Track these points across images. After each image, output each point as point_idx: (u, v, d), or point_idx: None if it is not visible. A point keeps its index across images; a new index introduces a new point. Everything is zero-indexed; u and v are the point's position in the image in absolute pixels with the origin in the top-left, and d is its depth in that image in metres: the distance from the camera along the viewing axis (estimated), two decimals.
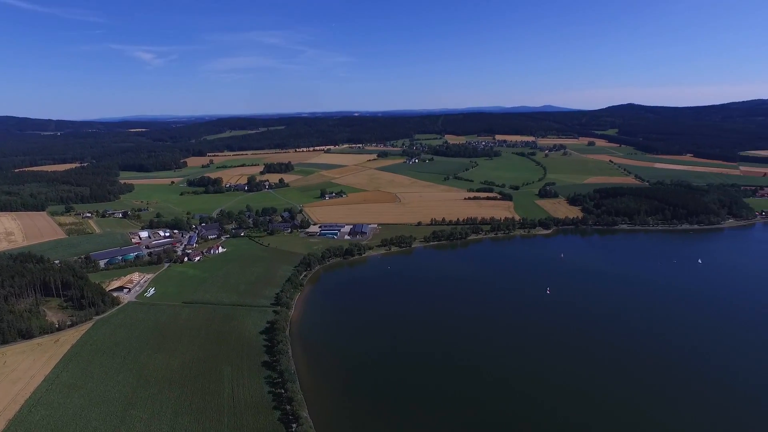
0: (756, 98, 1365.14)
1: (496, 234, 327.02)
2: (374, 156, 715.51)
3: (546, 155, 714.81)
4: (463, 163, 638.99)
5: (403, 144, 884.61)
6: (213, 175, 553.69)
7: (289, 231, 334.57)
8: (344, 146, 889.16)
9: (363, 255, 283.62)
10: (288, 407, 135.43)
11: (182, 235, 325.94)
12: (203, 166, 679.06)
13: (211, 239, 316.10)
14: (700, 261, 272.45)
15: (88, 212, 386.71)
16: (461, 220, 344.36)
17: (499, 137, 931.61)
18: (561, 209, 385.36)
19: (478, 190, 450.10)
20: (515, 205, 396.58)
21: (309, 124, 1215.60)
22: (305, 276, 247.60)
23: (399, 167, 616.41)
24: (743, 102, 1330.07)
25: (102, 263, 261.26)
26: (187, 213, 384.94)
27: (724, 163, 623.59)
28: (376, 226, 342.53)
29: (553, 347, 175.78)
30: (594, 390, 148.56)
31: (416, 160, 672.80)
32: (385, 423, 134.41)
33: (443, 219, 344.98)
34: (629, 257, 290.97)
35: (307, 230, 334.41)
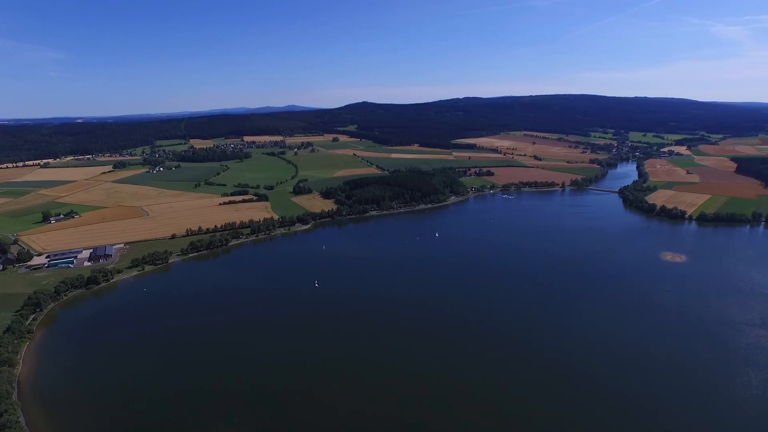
0: (454, 97, 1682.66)
1: (258, 236, 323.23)
2: (109, 167, 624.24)
3: (296, 153, 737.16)
4: (214, 167, 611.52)
5: (143, 152, 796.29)
6: None
7: (1, 268, 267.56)
8: (68, 158, 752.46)
9: (112, 280, 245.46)
10: None
11: None
12: None
13: None
14: (437, 234, 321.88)
15: None
16: (219, 226, 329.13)
17: (247, 139, 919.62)
18: (317, 204, 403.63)
19: (233, 194, 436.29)
20: (272, 205, 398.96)
21: (12, 133, 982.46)
22: (34, 320, 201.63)
23: (142, 177, 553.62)
24: (448, 100, 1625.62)
25: None
26: None
27: (442, 150, 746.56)
28: (123, 245, 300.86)
29: (326, 341, 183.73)
30: (363, 370, 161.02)
31: (161, 169, 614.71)
32: None
33: (200, 228, 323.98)
34: (382, 240, 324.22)
35: (30, 263, 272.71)
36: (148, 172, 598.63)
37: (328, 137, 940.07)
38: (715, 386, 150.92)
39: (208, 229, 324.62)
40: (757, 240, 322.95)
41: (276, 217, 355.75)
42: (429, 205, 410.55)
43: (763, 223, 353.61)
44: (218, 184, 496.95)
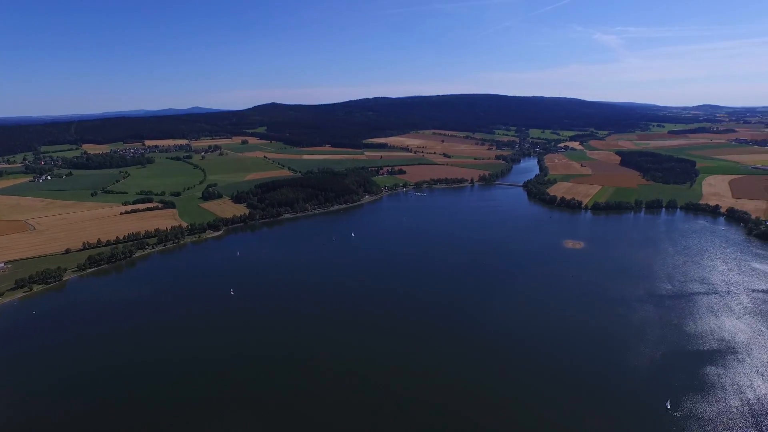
0: (364, 97, 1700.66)
1: (165, 245, 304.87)
2: None
3: (203, 157, 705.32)
4: (112, 174, 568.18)
5: (25, 159, 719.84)
6: None
7: None
8: None
9: None
10: None
11: None
12: None
13: None
14: (353, 234, 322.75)
15: None
16: (122, 237, 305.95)
17: (149, 143, 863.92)
18: (228, 209, 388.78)
19: (135, 202, 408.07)
20: (180, 212, 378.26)
21: None
22: None
23: (24, 188, 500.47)
24: (358, 100, 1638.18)
25: None
26: None
27: (354, 150, 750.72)
28: (3, 265, 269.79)
29: (243, 347, 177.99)
30: (283, 370, 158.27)
31: (48, 177, 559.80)
32: None
33: (99, 240, 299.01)
34: (298, 242, 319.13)
35: None
36: (33, 181, 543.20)
37: (237, 140, 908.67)
38: (614, 354, 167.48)
39: (108, 241, 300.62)
40: (639, 224, 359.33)
41: (185, 224, 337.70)
42: (343, 206, 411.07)
43: (643, 209, 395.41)
44: (118, 193, 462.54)
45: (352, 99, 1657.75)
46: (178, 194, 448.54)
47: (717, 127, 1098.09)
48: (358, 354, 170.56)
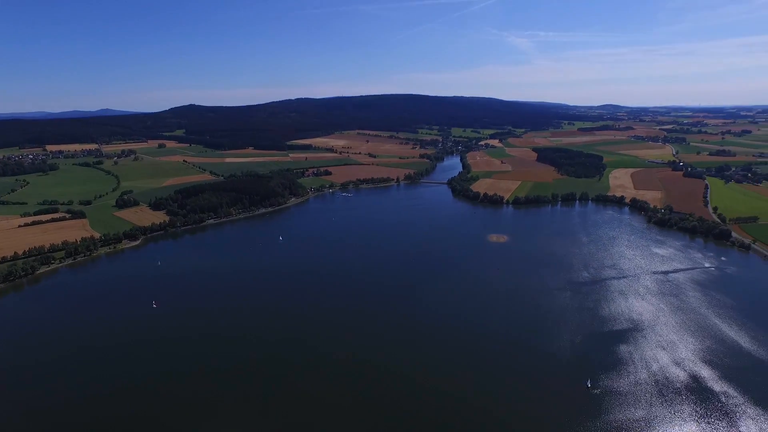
0: (286, 98, 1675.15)
1: (75, 259, 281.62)
2: None
3: (115, 163, 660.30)
4: (7, 183, 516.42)
5: None
6: None
7: None
8: None
9: None
10: None
11: None
12: None
13: None
14: (280, 238, 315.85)
15: None
16: (21, 252, 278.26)
17: (52, 148, 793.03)
18: (146, 217, 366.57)
19: (37, 213, 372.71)
20: (91, 222, 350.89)
21: None
22: None
23: None
24: (281, 101, 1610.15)
25: None
26: None
27: (278, 152, 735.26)
28: None
29: (171, 359, 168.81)
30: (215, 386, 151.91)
31: None
32: None
33: None
34: (223, 249, 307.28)
35: None
36: None
37: (153, 144, 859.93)
38: (538, 340, 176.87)
39: (5, 257, 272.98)
40: (556, 217, 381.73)
41: (97, 235, 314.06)
42: (269, 209, 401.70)
43: (559, 202, 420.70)
44: (16, 203, 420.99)
45: (275, 100, 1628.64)
46: (88, 203, 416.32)
47: (618, 125, 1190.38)
48: (289, 358, 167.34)
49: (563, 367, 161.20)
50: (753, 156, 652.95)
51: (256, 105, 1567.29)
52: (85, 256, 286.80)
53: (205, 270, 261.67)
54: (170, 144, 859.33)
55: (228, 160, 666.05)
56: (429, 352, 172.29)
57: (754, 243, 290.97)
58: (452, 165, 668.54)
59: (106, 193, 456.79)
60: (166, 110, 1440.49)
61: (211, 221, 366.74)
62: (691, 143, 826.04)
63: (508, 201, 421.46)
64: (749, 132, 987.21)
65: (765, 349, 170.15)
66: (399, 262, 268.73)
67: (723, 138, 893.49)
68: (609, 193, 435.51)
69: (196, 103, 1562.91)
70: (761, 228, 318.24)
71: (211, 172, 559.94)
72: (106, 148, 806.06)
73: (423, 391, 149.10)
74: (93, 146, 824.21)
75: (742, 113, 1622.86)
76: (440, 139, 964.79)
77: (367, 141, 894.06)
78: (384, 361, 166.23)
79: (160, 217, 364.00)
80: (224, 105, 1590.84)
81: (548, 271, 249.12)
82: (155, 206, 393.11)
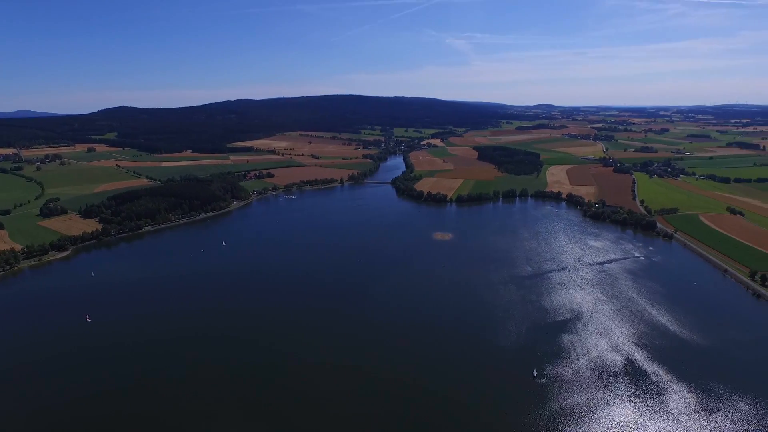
0: (225, 100, 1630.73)
1: None
2: None
3: (38, 168, 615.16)
4: None
5: None
6: None
7: None
8: None
9: None
10: None
11: None
12: None
13: None
14: (224, 243, 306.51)
15: None
16: None
17: None
18: (76, 225, 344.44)
19: None
20: (11, 233, 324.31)
21: None
22: None
23: None
24: (220, 102, 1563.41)
25: None
26: None
27: (218, 155, 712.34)
28: None
29: (98, 377, 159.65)
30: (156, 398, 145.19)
31: None
32: None
33: None
34: (162, 256, 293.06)
35: None
36: None
37: (82, 147, 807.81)
38: (486, 334, 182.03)
39: None
40: (498, 213, 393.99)
41: (18, 247, 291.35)
42: (211, 214, 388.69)
43: (501, 199, 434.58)
44: None
45: (213, 101, 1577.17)
46: (7, 212, 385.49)
47: (553, 124, 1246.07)
48: (238, 357, 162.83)
49: (511, 358, 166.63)
50: (671, 152, 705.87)
51: (194, 106, 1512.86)
52: (4, 270, 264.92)
53: (144, 279, 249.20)
54: (101, 148, 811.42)
55: (165, 163, 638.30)
56: (383, 346, 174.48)
57: (675, 232, 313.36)
58: (395, 165, 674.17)
59: (28, 202, 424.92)
60: (95, 112, 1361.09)
61: (149, 228, 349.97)
62: (619, 140, 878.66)
63: (451, 199, 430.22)
64: (667, 130, 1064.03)
65: (688, 330, 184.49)
66: (347, 261, 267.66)
67: (646, 136, 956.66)
68: (547, 189, 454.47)
69: (129, 105, 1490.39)
70: (681, 218, 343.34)
71: (147, 177, 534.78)
72: (27, 153, 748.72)
73: (377, 383, 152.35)
74: (10, 150, 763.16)
75: (661, 113, 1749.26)
76: (383, 139, 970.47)
77: (310, 142, 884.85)
78: (336, 356, 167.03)
79: (92, 225, 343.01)
80: (159, 106, 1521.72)
81: (493, 266, 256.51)
82: (86, 214, 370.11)
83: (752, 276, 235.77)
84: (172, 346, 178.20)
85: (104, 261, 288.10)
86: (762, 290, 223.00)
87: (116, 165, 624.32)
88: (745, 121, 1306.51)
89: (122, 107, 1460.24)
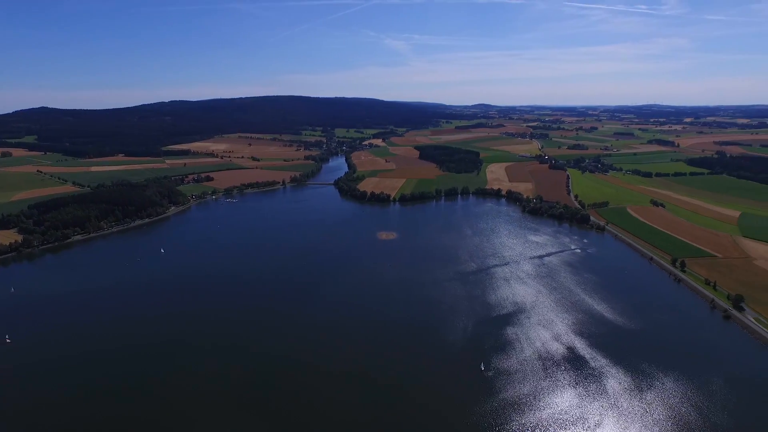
0: (159, 101, 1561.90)
1: None
2: None
3: None
4: None
5: None
6: None
7: None
8: None
9: None
10: None
11: None
12: None
13: None
14: (162, 250, 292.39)
15: None
16: None
17: None
18: None
19: None
20: None
21: None
22: None
23: None
24: (153, 104, 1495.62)
25: None
26: None
27: (153, 158, 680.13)
28: None
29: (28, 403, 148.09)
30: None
31: None
32: None
33: None
34: (93, 268, 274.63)
35: None
36: None
37: None
38: (434, 330, 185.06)
39: None
40: (441, 211, 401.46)
41: None
42: (147, 220, 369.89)
43: (443, 197, 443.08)
44: None
45: (146, 103, 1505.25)
46: None
47: (491, 123, 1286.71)
48: (186, 365, 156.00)
49: (459, 352, 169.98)
50: (600, 149, 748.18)
51: (125, 108, 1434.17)
52: None
53: (73, 291, 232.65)
54: (18, 152, 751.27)
55: (94, 168, 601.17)
56: (332, 344, 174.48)
57: (607, 225, 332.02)
58: (338, 165, 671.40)
59: None
60: (10, 113, 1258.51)
61: (78, 237, 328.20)
62: (553, 138, 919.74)
63: (394, 199, 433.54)
64: (596, 128, 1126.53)
65: (620, 315, 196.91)
66: (294, 264, 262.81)
67: (577, 134, 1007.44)
68: (487, 187, 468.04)
69: (50, 106, 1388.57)
70: (611, 211, 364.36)
71: (74, 183, 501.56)
72: None
73: (328, 378, 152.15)
74: None
75: (590, 112, 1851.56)
76: (324, 140, 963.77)
77: (250, 144, 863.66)
78: (293, 354, 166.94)
79: (10, 236, 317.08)
80: (86, 108, 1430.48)
81: (438, 263, 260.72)
82: (3, 224, 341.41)
83: (673, 263, 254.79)
84: (107, 358, 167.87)
85: (26, 275, 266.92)
86: (681, 275, 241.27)
87: (38, 170, 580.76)
88: (662, 120, 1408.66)
89: (43, 108, 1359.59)
